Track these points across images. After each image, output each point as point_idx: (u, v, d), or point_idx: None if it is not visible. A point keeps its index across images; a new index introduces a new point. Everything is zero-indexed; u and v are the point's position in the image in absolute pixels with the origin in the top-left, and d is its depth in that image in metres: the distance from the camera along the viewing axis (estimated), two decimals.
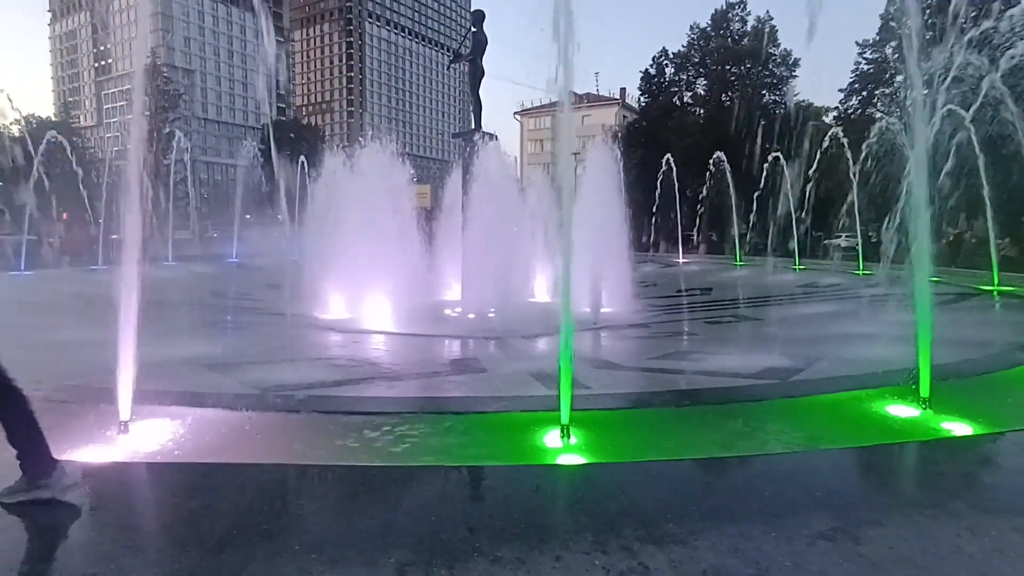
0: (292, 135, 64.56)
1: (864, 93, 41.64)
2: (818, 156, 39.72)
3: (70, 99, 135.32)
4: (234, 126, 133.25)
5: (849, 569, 2.89)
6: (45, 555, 3.07)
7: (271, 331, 11.87)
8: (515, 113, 79.47)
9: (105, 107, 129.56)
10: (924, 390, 5.29)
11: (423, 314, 12.57)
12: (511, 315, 11.90)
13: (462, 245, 14.91)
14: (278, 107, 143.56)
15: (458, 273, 15.34)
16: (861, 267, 20.85)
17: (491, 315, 12.78)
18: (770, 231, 55.36)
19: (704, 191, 45.51)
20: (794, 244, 25.30)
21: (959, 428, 4.97)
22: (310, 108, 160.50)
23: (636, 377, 7.77)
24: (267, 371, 7.04)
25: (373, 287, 12.86)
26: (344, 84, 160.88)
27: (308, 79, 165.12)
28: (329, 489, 3.80)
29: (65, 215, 52.90)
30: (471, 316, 13.12)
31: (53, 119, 67.65)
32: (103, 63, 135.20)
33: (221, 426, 4.89)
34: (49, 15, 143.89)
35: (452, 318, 13.41)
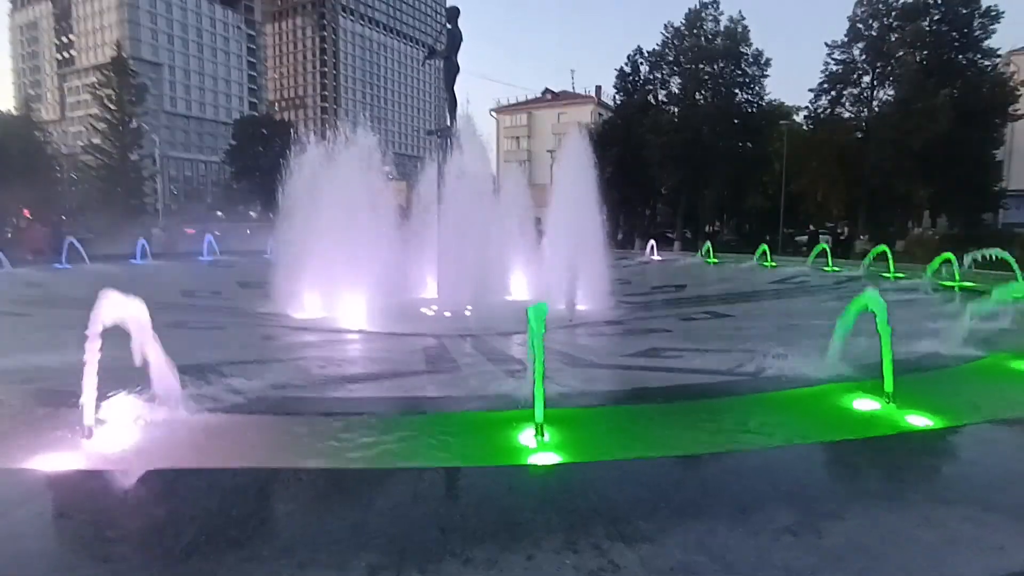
0: (265, 131, 63.42)
1: (833, 93, 42.38)
2: (789, 155, 40.49)
3: (31, 92, 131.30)
4: (205, 121, 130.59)
5: (810, 562, 2.96)
6: (2, 566, 2.99)
7: (242, 331, 11.70)
8: (491, 110, 79.33)
9: (68, 100, 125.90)
10: (888, 385, 5.42)
11: (399, 312, 12.51)
12: (487, 313, 11.90)
13: (438, 242, 14.85)
14: (250, 102, 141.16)
15: (434, 270, 15.28)
16: (830, 263, 21.30)
17: (467, 313, 12.75)
18: (743, 228, 56.26)
19: (678, 189, 46.03)
20: (766, 241, 25.68)
21: (920, 421, 5.11)
22: (283, 103, 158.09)
23: (611, 374, 7.84)
24: (237, 373, 6.93)
25: (348, 285, 12.75)
26: (318, 79, 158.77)
27: (281, 74, 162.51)
28: (299, 493, 3.76)
29: (26, 211, 51.33)
30: (447, 314, 13.08)
31: (14, 112, 65.41)
32: (66, 55, 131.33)
33: (189, 430, 4.80)
34: (9, 5, 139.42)
35: (428, 316, 13.35)
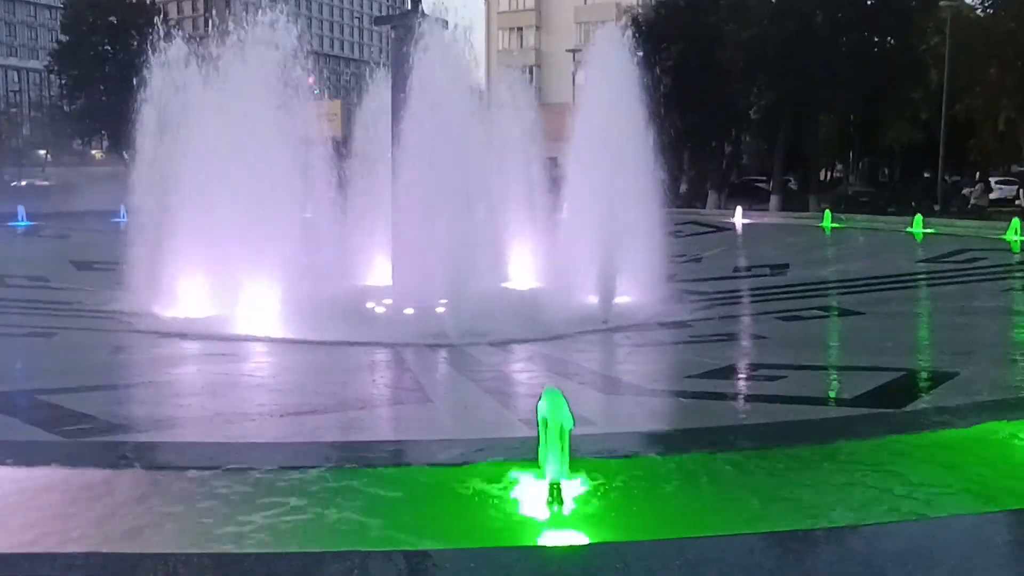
0: (115, 18, 63.05)
1: None
2: (954, 57, 40.42)
3: None
4: (20, 4, 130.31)
5: None
6: None
7: (80, 340, 11.72)
8: None
9: None
10: None
11: (332, 309, 12.57)
12: (472, 309, 11.93)
13: (393, 200, 14.86)
14: None
15: (387, 244, 15.30)
16: (1019, 230, 21.32)
17: (440, 309, 12.79)
18: (880, 175, 56.34)
19: (776, 113, 46.01)
20: (916, 195, 25.74)
21: None
22: None
23: (666, 406, 7.87)
24: (76, 403, 6.96)
25: (251, 268, 12.79)
26: None
27: None
28: None
29: None
30: (408, 311, 13.14)
31: None
32: None
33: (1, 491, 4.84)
34: None
35: (378, 315, 13.40)
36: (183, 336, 11.75)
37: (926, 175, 44.75)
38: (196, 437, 6.58)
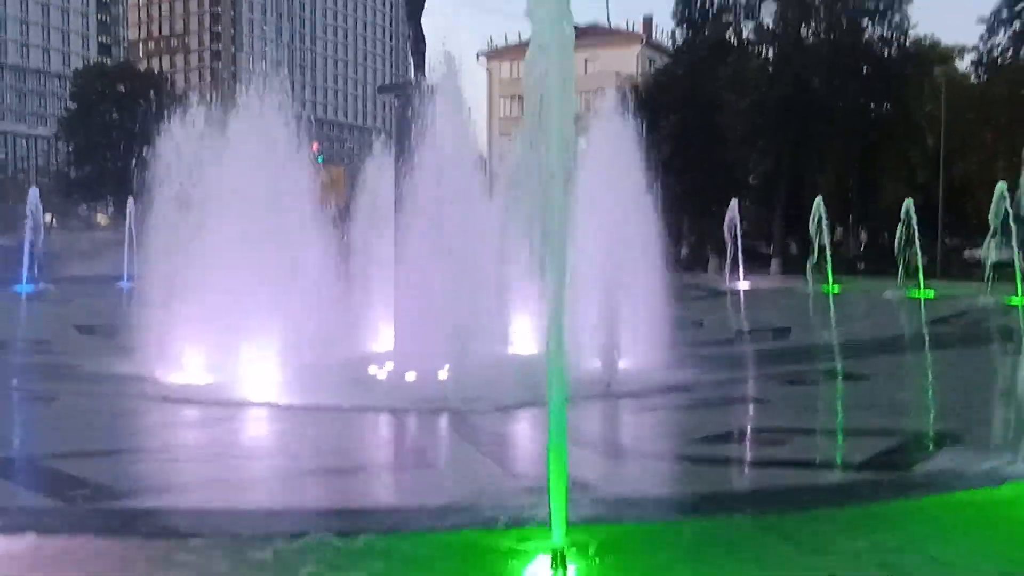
0: (124, 87, 64.32)
1: (1017, 24, 43.10)
2: (949, 122, 41.00)
3: None
4: (27, 72, 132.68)
5: None
6: None
7: (82, 404, 11.68)
8: (480, 54, 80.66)
9: None
10: None
11: (334, 375, 12.54)
12: (474, 375, 11.91)
13: (395, 265, 14.94)
14: (101, 43, 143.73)
15: (389, 309, 15.32)
16: (1022, 292, 21.37)
17: (442, 375, 12.76)
18: (880, 238, 56.43)
19: (775, 177, 46.51)
20: (917, 258, 25.86)
21: None
22: (152, 46, 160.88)
23: (671, 471, 7.85)
24: (77, 469, 6.94)
25: (254, 333, 12.82)
26: (207, 7, 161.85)
27: (150, 0, 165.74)
28: None
29: None
30: (410, 377, 13.11)
31: None
32: None
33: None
34: None
35: (380, 381, 13.37)
36: (184, 401, 11.70)
37: (927, 237, 44.95)
38: (196, 504, 6.54)
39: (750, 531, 5.53)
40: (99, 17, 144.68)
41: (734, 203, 35.83)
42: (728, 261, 33.41)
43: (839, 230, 55.25)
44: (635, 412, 11.48)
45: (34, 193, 30.19)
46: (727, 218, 35.47)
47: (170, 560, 4.96)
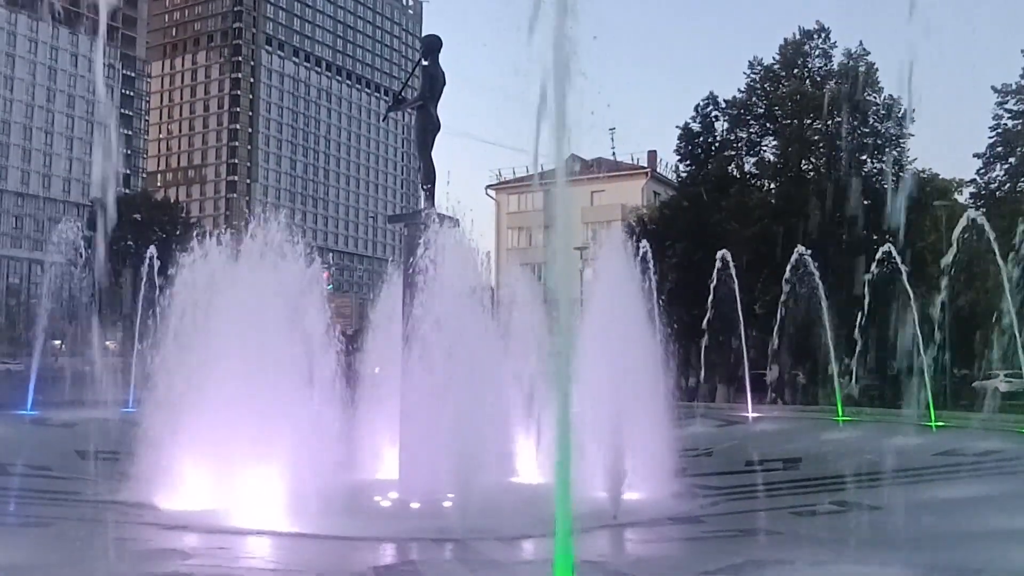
0: (139, 216, 65.95)
1: (1011, 160, 44.34)
2: (953, 253, 41.56)
3: None
4: (48, 202, 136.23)
5: None
6: None
7: (77, 531, 11.54)
8: (488, 187, 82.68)
9: None
10: None
11: (338, 502, 12.47)
12: (479, 503, 11.82)
13: (402, 393, 15.01)
14: (121, 174, 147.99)
15: (395, 437, 15.31)
16: None
17: (447, 504, 12.65)
18: (888, 368, 56.17)
19: (781, 307, 46.82)
20: (926, 389, 25.81)
21: None
22: (170, 177, 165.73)
23: None
24: None
25: (256, 459, 12.78)
26: (224, 141, 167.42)
27: (169, 132, 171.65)
28: None
29: None
30: (415, 505, 13.02)
31: None
32: None
33: None
34: None
35: (384, 509, 13.25)
36: (183, 528, 11.58)
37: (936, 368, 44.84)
38: None
39: None
40: (121, 151, 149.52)
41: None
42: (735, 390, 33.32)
43: (846, 360, 55.22)
44: (642, 543, 11.39)
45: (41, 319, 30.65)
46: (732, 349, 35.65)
47: None
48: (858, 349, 55.79)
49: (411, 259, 15.47)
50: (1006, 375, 44.29)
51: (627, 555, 10.41)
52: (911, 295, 47.89)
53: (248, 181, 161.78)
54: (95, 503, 13.27)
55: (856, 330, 51.62)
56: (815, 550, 9.76)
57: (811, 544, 10.33)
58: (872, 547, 9.93)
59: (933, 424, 23.27)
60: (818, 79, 48.59)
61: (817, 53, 49.04)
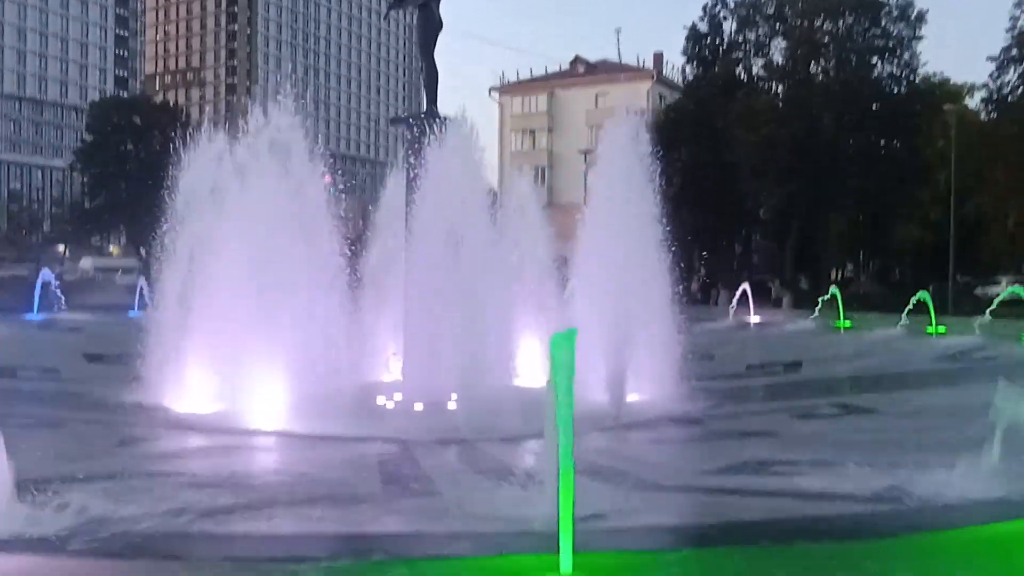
0: (138, 119, 65.07)
1: None
2: (959, 159, 41.09)
3: None
4: (44, 105, 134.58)
5: None
6: None
7: (89, 431, 11.75)
8: (492, 89, 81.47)
9: None
10: None
11: (342, 404, 12.59)
12: (483, 406, 11.93)
13: (405, 295, 15.03)
14: (118, 76, 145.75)
15: (398, 340, 15.39)
16: None
17: (451, 406, 12.78)
18: (890, 274, 56.37)
19: (786, 212, 46.60)
20: (928, 295, 25.84)
21: None
22: (169, 79, 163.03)
23: (681, 501, 7.83)
24: (84, 494, 6.95)
25: (262, 362, 12.87)
26: (223, 43, 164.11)
27: (166, 34, 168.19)
28: None
29: None
30: (418, 407, 13.14)
31: None
32: None
33: None
34: None
35: (388, 411, 13.39)
36: (191, 429, 11.75)
37: (938, 275, 44.95)
38: (199, 529, 6.55)
39: (761, 560, 5.53)
40: (117, 52, 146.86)
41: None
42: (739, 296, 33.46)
43: (850, 267, 55.36)
44: (644, 443, 11.49)
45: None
46: (736, 255, 35.70)
47: None
48: (861, 255, 55.90)
49: (412, 161, 15.31)
50: (1010, 280, 44.37)
51: (627, 455, 10.52)
52: (916, 201, 47.64)
53: (248, 84, 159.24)
54: (104, 405, 13.42)
55: (859, 236, 51.69)
56: (816, 451, 9.88)
57: (812, 445, 10.45)
58: (873, 449, 10.03)
59: (934, 330, 23.39)
60: None
61: None
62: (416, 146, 15.41)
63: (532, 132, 79.01)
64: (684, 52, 51.89)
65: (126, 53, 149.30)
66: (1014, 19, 43.46)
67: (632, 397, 13.47)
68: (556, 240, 18.40)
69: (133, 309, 24.82)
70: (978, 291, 43.76)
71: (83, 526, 6.14)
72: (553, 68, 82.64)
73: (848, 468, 8.41)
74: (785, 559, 5.54)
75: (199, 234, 13.78)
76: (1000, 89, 44.67)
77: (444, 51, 16.46)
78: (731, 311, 33.36)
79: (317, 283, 14.10)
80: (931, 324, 23.72)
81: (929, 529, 6.28)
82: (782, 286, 44.68)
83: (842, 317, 26.85)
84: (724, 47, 50.88)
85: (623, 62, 77.69)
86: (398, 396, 13.97)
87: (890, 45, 46.66)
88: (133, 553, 5.55)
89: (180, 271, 13.86)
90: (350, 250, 16.38)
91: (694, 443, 11.53)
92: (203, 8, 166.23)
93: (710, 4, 50.49)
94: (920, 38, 46.71)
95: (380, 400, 13.87)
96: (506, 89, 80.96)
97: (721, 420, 12.97)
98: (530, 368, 15.98)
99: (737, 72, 50.25)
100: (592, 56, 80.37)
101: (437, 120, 15.50)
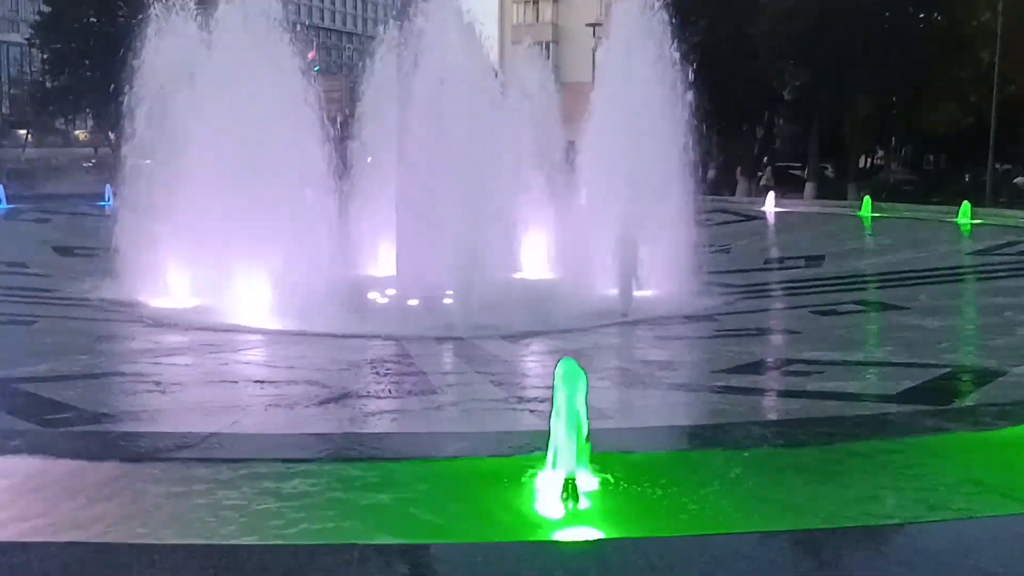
0: None
1: None
2: (1005, 34, 40.09)
3: None
4: None
5: None
6: None
7: (63, 328, 11.81)
8: None
9: None
10: None
11: (333, 300, 12.62)
12: (482, 300, 12.01)
13: (398, 182, 14.91)
14: None
15: (391, 232, 15.34)
16: None
17: (447, 300, 12.83)
18: (924, 161, 55.63)
19: (811, 94, 45.73)
20: (963, 184, 25.62)
21: None
22: None
23: (690, 401, 7.92)
24: (60, 392, 7.05)
25: (245, 254, 12.87)
26: None
27: None
28: None
29: None
30: (412, 302, 13.19)
31: None
32: None
33: None
34: None
35: (381, 306, 13.46)
36: (170, 326, 11.83)
37: (976, 162, 44.46)
38: (183, 428, 6.65)
39: (770, 462, 5.60)
40: None
41: None
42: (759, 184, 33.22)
43: (880, 153, 54.70)
44: (654, 341, 11.57)
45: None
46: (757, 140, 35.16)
47: (154, 481, 5.06)
48: (892, 140, 55.04)
49: (404, 35, 14.97)
50: None
51: (638, 352, 10.63)
52: (955, 81, 46.69)
53: None
54: (78, 301, 13.49)
55: (891, 120, 50.79)
56: (834, 349, 9.94)
57: (831, 343, 10.50)
58: (892, 347, 10.11)
59: (968, 221, 23.26)
60: None
61: None
62: (408, 19, 15.03)
63: (536, 3, 77.05)
64: None
65: None
66: None
67: (643, 292, 13.51)
68: (563, 123, 18.18)
69: (104, 199, 24.67)
70: (1018, 180, 43.39)
71: (60, 426, 6.25)
72: None
73: (877, 367, 8.48)
74: (802, 461, 5.61)
75: (172, 115, 13.58)
76: None
77: None
78: (750, 200, 33.18)
79: (302, 169, 13.97)
80: (966, 214, 23.59)
81: (967, 431, 6.28)
82: (807, 173, 44.29)
83: (868, 208, 26.66)
84: None
85: None
86: (391, 291, 14.03)
87: None
88: (118, 455, 5.62)
89: (151, 157, 13.73)
90: (337, 133, 16.22)
91: (705, 341, 11.62)
92: None
93: None
94: None
95: (372, 295, 13.93)
96: None
97: (736, 316, 13.03)
98: (533, 259, 16.04)
99: None
100: None
101: None
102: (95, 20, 59.09)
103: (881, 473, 5.34)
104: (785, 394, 8.05)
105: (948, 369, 8.26)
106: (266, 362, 10.41)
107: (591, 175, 15.85)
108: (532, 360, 10.03)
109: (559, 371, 4.76)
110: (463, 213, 13.37)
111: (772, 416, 7.11)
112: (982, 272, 17.03)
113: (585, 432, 4.74)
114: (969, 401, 7.30)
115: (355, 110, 19.59)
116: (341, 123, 20.71)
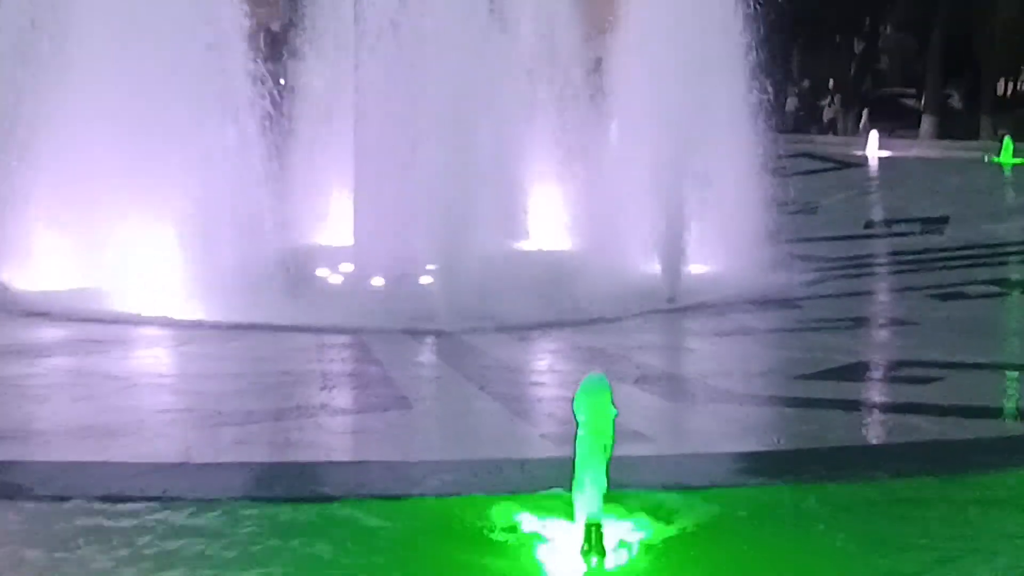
0: None
1: None
2: None
3: None
4: None
5: None
6: None
7: None
8: None
9: None
10: None
11: (265, 279, 12.59)
12: (472, 280, 11.99)
13: (356, 122, 14.87)
14: None
15: (347, 184, 15.33)
16: None
17: (424, 280, 12.82)
18: None
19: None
20: None
21: None
22: None
23: (760, 418, 7.94)
24: None
25: (143, 219, 12.85)
26: None
27: None
28: None
29: None
30: (377, 282, 13.22)
31: None
32: None
33: None
34: None
35: (333, 287, 13.49)
36: (41, 315, 11.83)
37: None
38: (56, 456, 6.65)
39: (868, 501, 5.59)
40: None
41: None
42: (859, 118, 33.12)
43: (1020, 79, 54.61)
44: (708, 335, 11.56)
45: None
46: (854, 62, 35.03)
47: (26, 526, 5.08)
48: None
49: None
50: None
51: (685, 352, 10.63)
52: None
53: None
54: None
55: None
56: (961, 346, 9.92)
57: (956, 338, 10.50)
58: None
59: None
60: None
61: None
62: None
63: None
64: None
65: None
66: None
67: (695, 268, 13.52)
68: (585, 35, 18.14)
69: None
70: None
71: None
72: None
73: (1004, 373, 8.47)
74: (899, 498, 5.62)
75: (35, 37, 13.52)
76: None
77: None
78: (846, 141, 33.14)
79: (222, 99, 13.89)
80: None
81: None
82: (924, 103, 44.24)
83: (1008, 152, 26.61)
84: None
85: None
86: (348, 267, 14.04)
87: None
88: None
89: (28, 98, 13.64)
90: (270, 49, 16.19)
91: (783, 335, 11.57)
92: None
93: None
94: None
95: (321, 272, 13.95)
96: None
97: (824, 302, 13.06)
98: (543, 224, 16.02)
99: None
100: None
101: None
102: None
103: (1008, 519, 5.37)
104: (891, 409, 8.04)
105: None
106: (173, 365, 10.43)
107: (624, 106, 15.79)
108: (540, 362, 10.04)
109: (583, 393, 4.71)
110: (446, 159, 13.28)
111: (874, 440, 7.08)
112: None
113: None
114: None
115: (298, 16, 19.52)
116: (276, 35, 20.71)
